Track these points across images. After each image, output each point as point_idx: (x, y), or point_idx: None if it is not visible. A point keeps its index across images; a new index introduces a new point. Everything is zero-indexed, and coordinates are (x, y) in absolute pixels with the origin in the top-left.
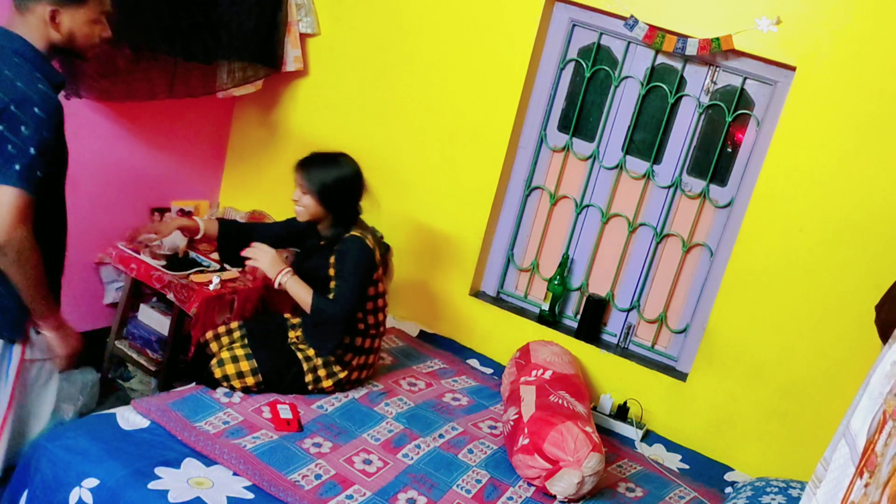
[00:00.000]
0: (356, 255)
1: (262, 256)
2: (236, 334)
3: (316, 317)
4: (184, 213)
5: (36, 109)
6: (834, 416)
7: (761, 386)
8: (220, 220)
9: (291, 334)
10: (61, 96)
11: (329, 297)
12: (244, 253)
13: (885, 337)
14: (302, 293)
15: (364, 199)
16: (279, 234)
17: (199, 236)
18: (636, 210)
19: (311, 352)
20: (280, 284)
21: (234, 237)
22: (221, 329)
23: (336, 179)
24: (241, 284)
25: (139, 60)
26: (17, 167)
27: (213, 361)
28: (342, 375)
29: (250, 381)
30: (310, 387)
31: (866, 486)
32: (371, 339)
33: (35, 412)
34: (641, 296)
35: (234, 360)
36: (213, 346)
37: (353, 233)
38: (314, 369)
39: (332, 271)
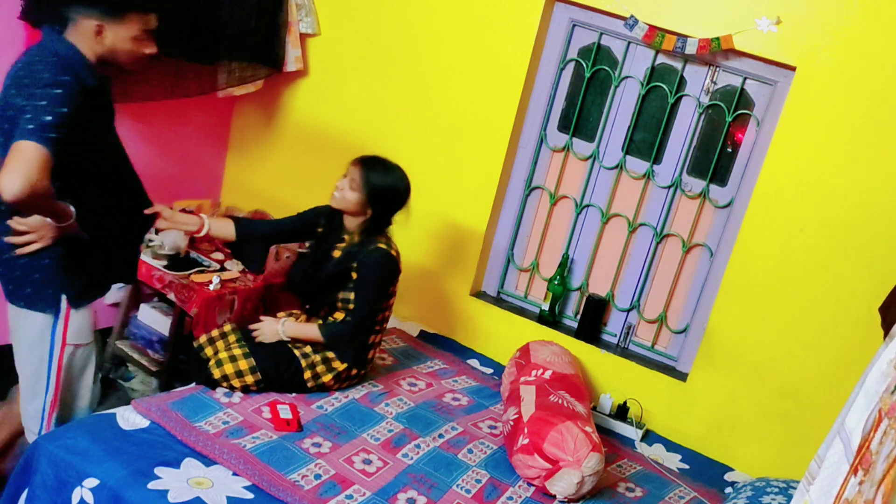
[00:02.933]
0: (380, 268)
1: (264, 328)
2: (231, 337)
3: (331, 340)
4: (187, 212)
5: (54, 90)
6: (834, 415)
7: (761, 386)
8: (235, 222)
9: None
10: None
11: (336, 320)
12: (254, 333)
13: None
14: (307, 331)
15: (401, 213)
16: (294, 228)
17: (201, 234)
18: (636, 210)
19: (308, 349)
20: (287, 334)
21: (250, 241)
22: (215, 332)
23: (388, 188)
24: (242, 284)
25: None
26: (31, 126)
27: (212, 362)
28: (341, 368)
29: (249, 379)
30: (309, 384)
31: (861, 483)
32: (374, 334)
33: (77, 394)
34: (641, 296)
35: (233, 359)
36: (208, 351)
37: (379, 245)
38: (312, 366)
39: (354, 275)
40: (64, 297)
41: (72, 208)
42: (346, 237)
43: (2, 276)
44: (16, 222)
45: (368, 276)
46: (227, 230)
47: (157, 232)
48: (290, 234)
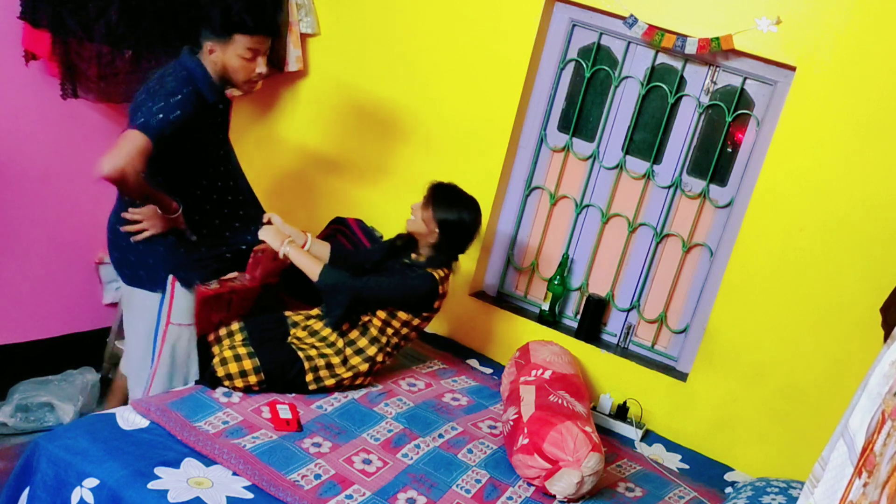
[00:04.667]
0: (416, 284)
1: (268, 230)
2: (238, 336)
3: (324, 286)
4: None
5: (173, 97)
6: (834, 416)
7: (761, 386)
8: (332, 246)
9: (293, 332)
10: (57, 95)
11: (343, 272)
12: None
13: None
14: (306, 262)
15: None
16: (373, 258)
17: (304, 249)
18: (636, 210)
19: (312, 351)
20: (285, 255)
21: (341, 266)
22: (223, 331)
23: (459, 220)
24: (240, 284)
25: (139, 62)
26: (142, 120)
27: (216, 360)
28: (346, 376)
29: (253, 379)
30: (311, 386)
31: (865, 485)
32: (385, 355)
33: (186, 375)
34: (641, 296)
35: (237, 358)
36: (215, 349)
37: (436, 271)
38: (315, 369)
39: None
40: (171, 278)
41: (176, 203)
42: (414, 255)
43: (118, 260)
44: (129, 213)
45: (405, 278)
46: (324, 251)
47: None
48: (379, 260)
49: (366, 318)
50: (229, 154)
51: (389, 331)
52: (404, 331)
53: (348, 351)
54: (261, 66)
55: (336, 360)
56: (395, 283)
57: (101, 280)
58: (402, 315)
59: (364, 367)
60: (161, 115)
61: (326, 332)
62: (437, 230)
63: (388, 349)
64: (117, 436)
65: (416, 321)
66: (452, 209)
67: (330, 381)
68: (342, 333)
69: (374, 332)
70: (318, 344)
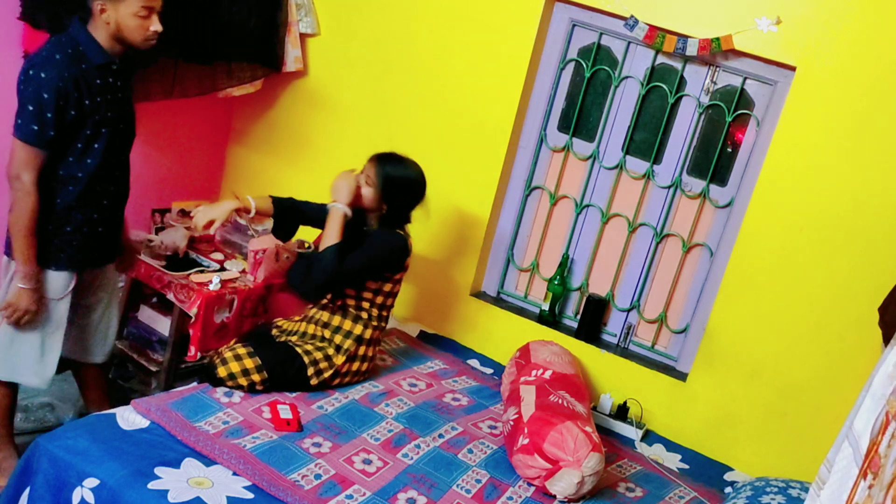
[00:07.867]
0: (388, 242)
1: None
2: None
3: (317, 260)
4: (185, 213)
5: (40, 73)
6: (834, 416)
7: (761, 386)
8: (273, 198)
9: (282, 332)
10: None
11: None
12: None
13: (889, 339)
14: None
15: (418, 209)
16: (318, 215)
17: (251, 215)
18: (636, 210)
19: (309, 346)
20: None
21: (287, 214)
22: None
23: (402, 178)
24: (242, 285)
25: None
26: (19, 121)
27: (216, 360)
28: (341, 362)
29: (256, 377)
30: (312, 380)
31: (870, 487)
32: (372, 330)
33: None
34: (641, 296)
35: (237, 358)
36: (221, 371)
37: (396, 230)
38: (315, 362)
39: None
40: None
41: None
42: (366, 229)
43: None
44: None
45: (373, 242)
46: (266, 205)
47: (156, 232)
48: (313, 219)
49: (339, 302)
50: (131, 120)
51: (366, 304)
52: (379, 300)
53: (337, 338)
54: (156, 24)
55: (330, 350)
56: (367, 253)
57: None
58: (371, 285)
59: (354, 347)
60: (30, 105)
61: (311, 328)
62: (384, 206)
63: (374, 323)
64: (117, 436)
65: (387, 286)
66: (398, 174)
67: (329, 373)
68: (325, 325)
69: (352, 311)
70: (309, 342)
